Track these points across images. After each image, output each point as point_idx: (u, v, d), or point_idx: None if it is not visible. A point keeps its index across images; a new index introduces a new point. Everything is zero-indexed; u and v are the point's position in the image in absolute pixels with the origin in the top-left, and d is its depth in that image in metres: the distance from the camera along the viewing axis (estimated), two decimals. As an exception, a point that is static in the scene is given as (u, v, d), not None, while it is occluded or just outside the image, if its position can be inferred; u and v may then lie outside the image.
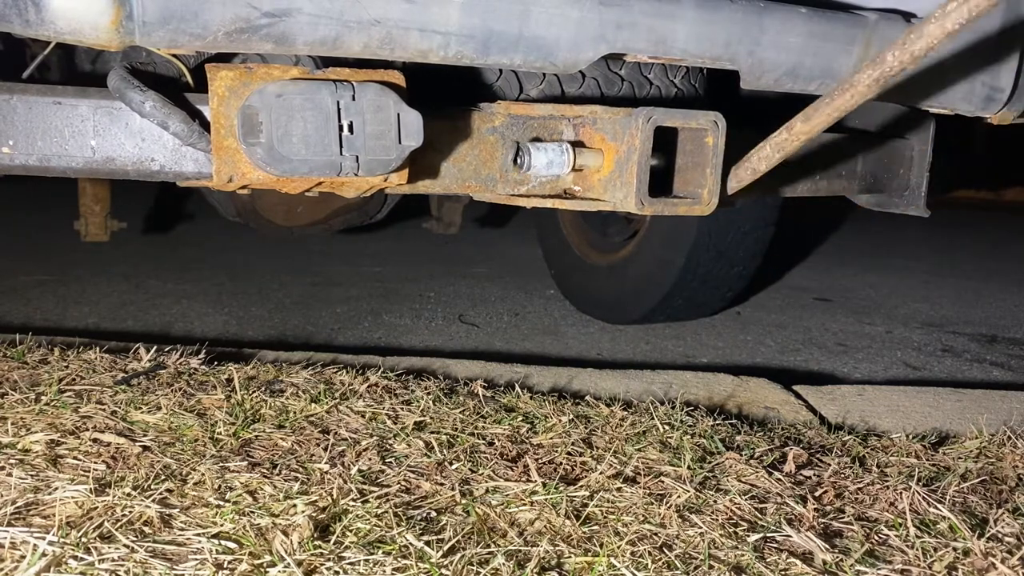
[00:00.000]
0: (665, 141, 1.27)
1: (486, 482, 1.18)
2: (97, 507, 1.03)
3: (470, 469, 1.22)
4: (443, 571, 0.93)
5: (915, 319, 3.02)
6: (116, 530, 0.97)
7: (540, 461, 1.27)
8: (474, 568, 0.95)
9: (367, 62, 1.11)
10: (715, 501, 1.16)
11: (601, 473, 1.22)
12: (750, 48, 1.23)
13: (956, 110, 1.47)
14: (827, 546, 1.05)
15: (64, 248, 3.51)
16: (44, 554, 0.90)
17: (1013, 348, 2.68)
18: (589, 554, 1.00)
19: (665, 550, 1.02)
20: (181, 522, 1.01)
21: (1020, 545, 1.08)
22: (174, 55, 1.09)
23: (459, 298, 3.07)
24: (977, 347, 2.67)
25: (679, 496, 1.16)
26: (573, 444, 1.33)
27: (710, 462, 1.29)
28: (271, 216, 2.29)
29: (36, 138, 1.08)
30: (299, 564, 0.92)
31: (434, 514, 1.08)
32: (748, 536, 1.06)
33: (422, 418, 1.40)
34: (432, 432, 1.35)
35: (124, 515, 1.01)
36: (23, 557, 0.90)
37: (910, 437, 1.46)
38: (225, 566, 0.92)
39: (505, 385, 1.68)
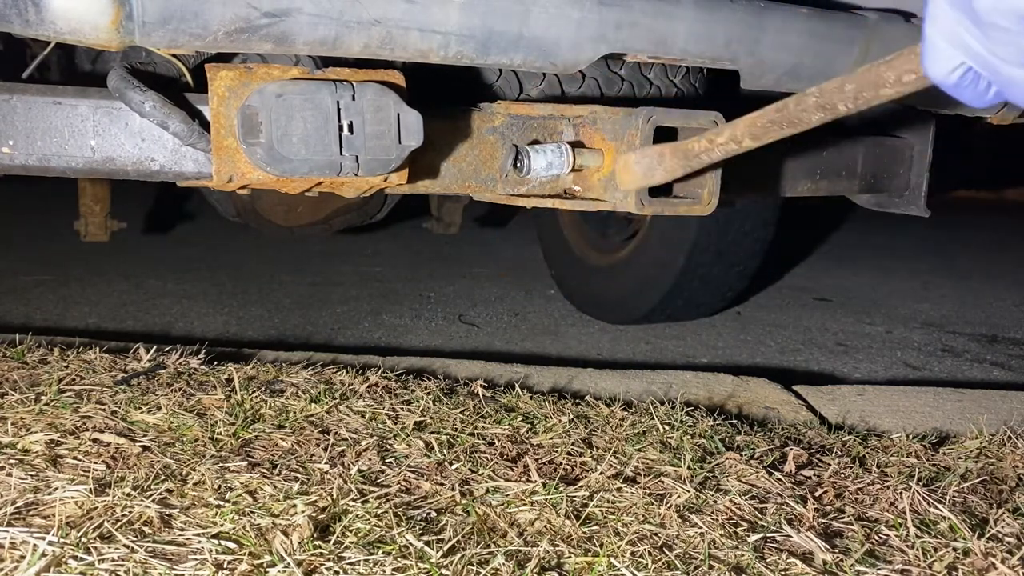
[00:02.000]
0: (665, 141, 1.27)
1: (486, 482, 1.18)
2: (97, 507, 1.02)
3: (470, 469, 1.22)
4: (443, 571, 0.93)
5: (915, 319, 3.02)
6: (116, 530, 0.97)
7: (540, 461, 1.27)
8: (474, 568, 0.95)
9: (367, 62, 1.11)
10: (715, 501, 1.16)
11: (601, 473, 1.22)
12: (750, 48, 1.23)
13: (956, 110, 1.47)
14: (827, 546, 1.05)
15: (64, 248, 3.51)
16: (44, 554, 0.90)
17: (1013, 348, 2.68)
18: (589, 554, 1.00)
19: (665, 550, 1.02)
20: (181, 522, 1.01)
21: (1020, 545, 1.08)
22: (174, 55, 1.09)
23: (459, 298, 3.07)
24: (977, 347, 2.67)
25: (679, 496, 1.16)
26: (573, 444, 1.33)
27: (710, 462, 1.29)
28: (271, 216, 2.29)
29: (36, 138, 1.08)
30: (299, 564, 0.92)
31: (434, 514, 1.08)
32: (748, 536, 1.06)
33: (422, 418, 1.40)
34: (432, 432, 1.35)
35: (124, 515, 1.01)
36: (23, 557, 0.90)
37: (910, 437, 1.46)
38: (225, 566, 0.92)
39: (505, 385, 1.68)
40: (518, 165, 1.27)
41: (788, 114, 0.92)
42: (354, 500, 1.09)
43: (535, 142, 1.29)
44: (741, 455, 1.32)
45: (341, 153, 1.03)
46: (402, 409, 1.44)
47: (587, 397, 1.59)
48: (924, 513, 1.16)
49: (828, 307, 3.16)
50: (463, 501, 1.12)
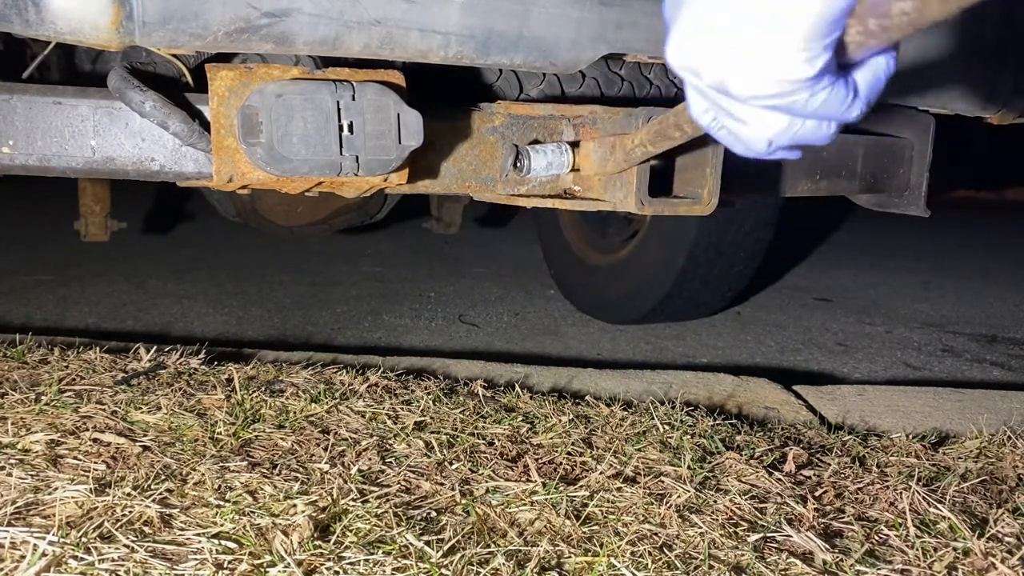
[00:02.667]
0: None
1: (486, 482, 1.18)
2: (97, 507, 1.03)
3: (470, 469, 1.22)
4: (443, 571, 0.93)
5: (915, 319, 3.02)
6: (116, 530, 0.97)
7: (540, 461, 1.27)
8: (474, 568, 0.95)
9: (367, 62, 1.11)
10: (715, 501, 1.16)
11: (601, 473, 1.22)
12: (750, 48, 1.23)
13: (956, 110, 1.47)
14: (827, 546, 1.05)
15: (64, 248, 3.51)
16: (44, 554, 0.90)
17: (1013, 348, 2.68)
18: (589, 554, 1.00)
19: (665, 550, 1.02)
20: (181, 522, 1.01)
21: (1020, 545, 1.08)
22: (174, 55, 1.09)
23: (459, 298, 3.07)
24: (977, 347, 2.67)
25: (679, 496, 1.16)
26: (573, 444, 1.33)
27: (710, 462, 1.29)
28: (271, 216, 2.30)
29: (36, 138, 1.08)
30: (299, 564, 0.92)
31: (434, 514, 1.08)
32: (748, 536, 1.06)
33: (422, 418, 1.40)
34: (432, 432, 1.35)
35: (124, 515, 1.01)
36: (23, 557, 0.90)
37: (910, 437, 1.46)
38: (225, 566, 0.92)
39: (505, 385, 1.68)
40: (518, 165, 1.27)
41: (663, 128, 0.98)
42: (354, 500, 1.09)
43: (535, 142, 1.29)
44: (741, 455, 1.32)
45: (341, 153, 1.03)
46: (402, 409, 1.44)
47: (587, 397, 1.59)
48: (924, 513, 1.16)
49: (828, 307, 3.16)
50: (463, 501, 1.12)
